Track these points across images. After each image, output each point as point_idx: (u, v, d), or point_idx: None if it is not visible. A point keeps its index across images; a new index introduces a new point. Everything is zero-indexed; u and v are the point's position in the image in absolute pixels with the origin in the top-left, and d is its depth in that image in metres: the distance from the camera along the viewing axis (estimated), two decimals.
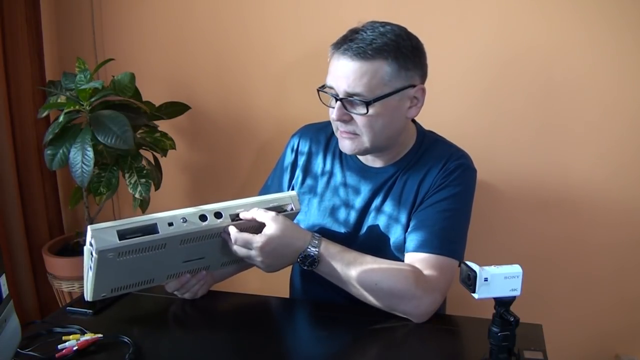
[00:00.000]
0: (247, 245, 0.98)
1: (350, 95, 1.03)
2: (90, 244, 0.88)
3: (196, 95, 1.93)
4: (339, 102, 1.04)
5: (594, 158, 1.65)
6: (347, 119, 1.06)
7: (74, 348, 0.91)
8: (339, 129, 1.09)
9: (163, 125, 1.81)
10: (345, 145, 1.09)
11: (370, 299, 1.03)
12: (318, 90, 1.09)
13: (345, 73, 1.02)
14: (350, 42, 1.02)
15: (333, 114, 1.06)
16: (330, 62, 1.06)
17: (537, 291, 1.65)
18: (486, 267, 0.79)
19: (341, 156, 1.21)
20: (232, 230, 0.99)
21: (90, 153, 1.53)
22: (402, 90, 1.04)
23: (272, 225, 0.99)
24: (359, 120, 1.04)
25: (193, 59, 1.94)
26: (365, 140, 1.07)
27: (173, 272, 1.04)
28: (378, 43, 1.01)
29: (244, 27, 1.86)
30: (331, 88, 1.06)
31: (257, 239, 0.98)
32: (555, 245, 1.73)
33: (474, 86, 1.70)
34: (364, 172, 1.17)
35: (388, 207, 1.13)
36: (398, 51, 1.02)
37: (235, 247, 1.00)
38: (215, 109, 1.96)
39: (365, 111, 1.03)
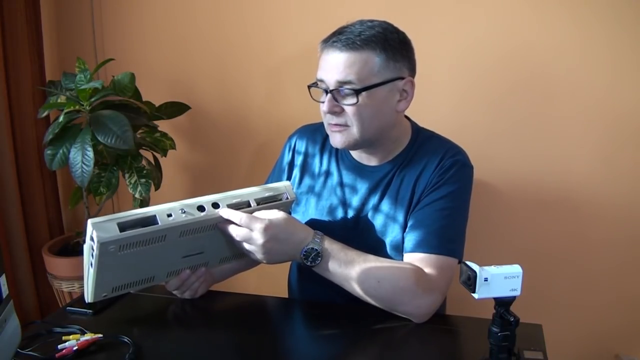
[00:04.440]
0: (249, 225, 0.96)
1: (341, 84, 1.04)
2: (91, 238, 0.88)
3: (196, 95, 1.94)
4: (329, 95, 1.05)
5: (593, 157, 1.66)
6: (337, 111, 1.06)
7: (74, 348, 0.91)
8: (329, 123, 1.10)
9: (163, 125, 1.81)
10: (336, 138, 1.10)
11: (371, 298, 1.03)
12: (309, 87, 1.11)
13: (335, 64, 1.04)
14: (340, 35, 1.04)
15: (324, 107, 1.07)
16: (320, 58, 1.08)
17: (537, 291, 1.65)
18: (486, 267, 0.79)
19: (337, 155, 1.21)
20: (235, 212, 0.97)
21: (90, 153, 1.53)
22: (391, 82, 1.06)
23: (276, 213, 1.00)
24: (349, 110, 1.05)
25: (193, 59, 1.94)
26: (355, 132, 1.07)
27: (173, 269, 1.04)
28: (366, 34, 1.03)
29: (244, 27, 1.86)
30: (322, 82, 1.07)
31: (261, 218, 0.97)
32: (555, 245, 1.73)
33: (474, 86, 1.70)
34: (360, 170, 1.17)
35: (385, 205, 1.13)
36: (386, 42, 1.04)
37: (237, 230, 0.97)
38: (215, 108, 1.96)
39: (355, 100, 1.04)
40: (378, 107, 1.06)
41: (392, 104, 1.08)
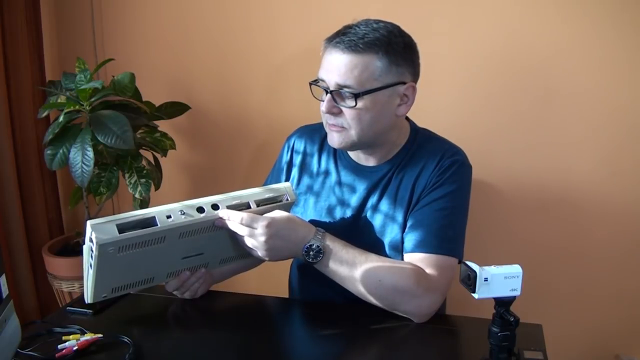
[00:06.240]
0: (252, 223, 0.97)
1: (340, 87, 1.03)
2: (90, 240, 0.88)
3: (196, 95, 1.94)
4: (328, 95, 1.05)
5: (593, 159, 1.65)
6: (336, 112, 1.06)
7: (74, 348, 0.91)
8: (328, 122, 1.09)
9: (163, 125, 1.81)
10: (334, 138, 1.09)
11: (372, 297, 1.03)
12: (310, 84, 1.10)
13: (336, 65, 1.03)
14: (343, 36, 1.03)
15: (323, 106, 1.07)
16: (323, 56, 1.07)
17: (537, 291, 1.65)
18: (486, 267, 0.79)
19: (335, 155, 1.21)
20: (235, 212, 0.98)
21: (90, 153, 1.53)
22: (392, 86, 1.05)
23: (278, 211, 1.00)
24: (348, 113, 1.05)
25: (193, 59, 1.94)
26: (353, 134, 1.07)
27: (172, 270, 1.04)
28: (370, 37, 1.02)
29: (244, 26, 1.86)
30: (322, 81, 1.07)
31: (263, 216, 0.97)
32: (555, 245, 1.73)
33: (475, 87, 1.70)
34: (359, 170, 1.17)
35: (384, 205, 1.13)
36: (389, 46, 1.03)
37: (239, 227, 0.97)
38: (215, 109, 1.96)
39: (354, 104, 1.03)
40: (377, 112, 1.05)
41: (391, 109, 1.07)
